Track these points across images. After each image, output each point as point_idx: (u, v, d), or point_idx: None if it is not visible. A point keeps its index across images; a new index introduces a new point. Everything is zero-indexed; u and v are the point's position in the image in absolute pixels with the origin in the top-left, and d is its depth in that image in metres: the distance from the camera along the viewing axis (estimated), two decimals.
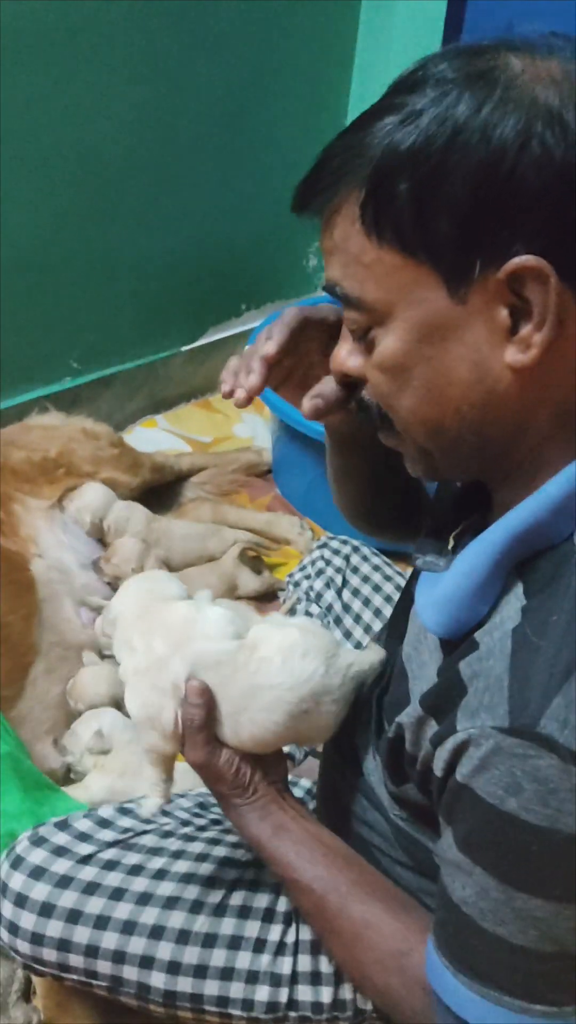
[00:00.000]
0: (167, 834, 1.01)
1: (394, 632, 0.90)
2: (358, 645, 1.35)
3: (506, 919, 0.63)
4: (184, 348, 2.32)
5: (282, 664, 0.81)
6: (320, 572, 1.47)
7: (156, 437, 2.24)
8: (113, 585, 1.64)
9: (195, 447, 2.23)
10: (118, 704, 1.43)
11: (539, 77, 0.60)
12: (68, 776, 1.42)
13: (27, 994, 1.14)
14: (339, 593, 1.42)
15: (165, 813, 1.05)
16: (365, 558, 1.45)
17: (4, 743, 1.26)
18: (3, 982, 1.14)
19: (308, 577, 1.50)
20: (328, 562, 1.46)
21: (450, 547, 0.77)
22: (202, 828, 1.03)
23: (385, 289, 0.65)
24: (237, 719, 0.82)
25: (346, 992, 0.92)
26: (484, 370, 0.64)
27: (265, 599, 1.73)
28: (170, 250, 2.16)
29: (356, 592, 1.41)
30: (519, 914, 0.63)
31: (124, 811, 1.04)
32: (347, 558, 1.45)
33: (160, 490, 1.99)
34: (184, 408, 2.39)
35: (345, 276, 0.66)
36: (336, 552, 1.47)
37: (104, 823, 1.01)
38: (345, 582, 1.42)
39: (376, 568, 1.43)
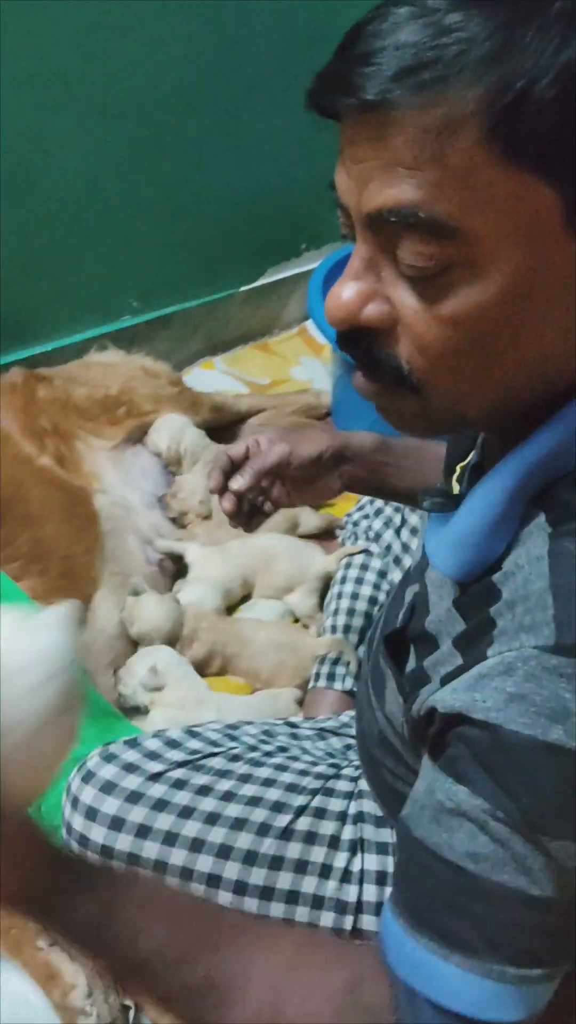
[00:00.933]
0: (235, 757, 1.01)
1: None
2: None
3: (530, 867, 0.56)
4: (243, 288, 2.29)
5: None
6: (379, 511, 1.45)
7: (214, 379, 2.23)
8: (179, 522, 1.65)
9: (253, 389, 2.22)
10: (173, 640, 1.44)
11: None
12: (125, 713, 1.43)
13: None
14: (398, 532, 1.40)
15: (232, 738, 1.06)
16: None
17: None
18: None
19: (367, 516, 1.48)
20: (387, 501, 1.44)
21: (456, 488, 0.72)
22: (268, 754, 1.04)
23: (498, 219, 0.53)
24: None
25: None
26: None
27: (325, 536, 1.72)
28: (230, 188, 2.12)
29: (415, 531, 1.40)
30: (547, 863, 0.55)
31: (192, 733, 1.05)
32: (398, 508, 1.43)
33: (218, 432, 1.98)
34: (242, 350, 2.37)
35: (438, 198, 0.53)
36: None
37: (173, 743, 1.03)
38: (404, 521, 1.41)
39: None
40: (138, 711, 1.40)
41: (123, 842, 0.94)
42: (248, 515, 1.04)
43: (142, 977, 0.61)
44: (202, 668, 1.45)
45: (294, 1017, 0.59)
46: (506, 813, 0.55)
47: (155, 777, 0.97)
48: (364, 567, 1.40)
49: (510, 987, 0.57)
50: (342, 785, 1.00)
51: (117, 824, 0.95)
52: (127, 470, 1.71)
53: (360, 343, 0.60)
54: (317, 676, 1.39)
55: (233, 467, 1.02)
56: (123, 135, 1.86)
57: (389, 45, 0.52)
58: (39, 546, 1.41)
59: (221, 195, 2.11)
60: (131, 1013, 1.09)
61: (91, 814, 0.96)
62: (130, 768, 0.98)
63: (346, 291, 0.58)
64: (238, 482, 1.00)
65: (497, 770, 0.56)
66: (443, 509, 0.67)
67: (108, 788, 0.97)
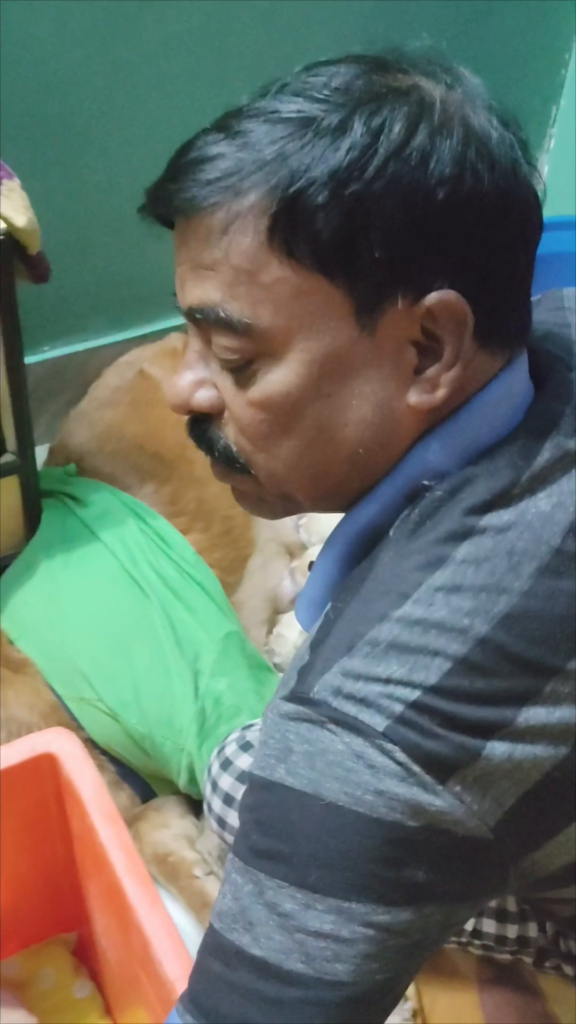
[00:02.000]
0: None
1: None
2: None
3: (254, 920, 0.55)
4: None
5: None
6: None
7: None
8: None
9: None
10: None
11: (461, 103, 0.58)
12: None
13: None
14: None
15: None
16: None
17: (232, 622, 1.34)
18: (212, 851, 1.23)
19: None
20: None
21: None
22: None
23: (287, 314, 0.58)
24: None
25: (531, 930, 0.95)
26: (387, 409, 0.60)
27: None
28: None
29: None
30: (269, 908, 0.55)
31: None
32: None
33: None
34: None
35: (231, 297, 0.58)
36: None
37: None
38: None
39: None
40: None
41: None
42: None
43: None
44: None
45: None
46: (235, 855, 0.58)
47: None
48: None
49: None
50: None
51: None
52: None
53: (199, 427, 0.66)
54: None
55: None
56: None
57: (191, 160, 0.59)
58: (203, 505, 1.48)
59: None
60: None
61: (228, 800, 1.00)
62: None
63: (181, 380, 0.64)
64: None
65: (241, 815, 0.59)
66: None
67: (244, 778, 0.99)
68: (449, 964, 1.16)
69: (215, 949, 0.58)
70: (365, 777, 0.53)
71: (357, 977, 0.54)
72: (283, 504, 0.68)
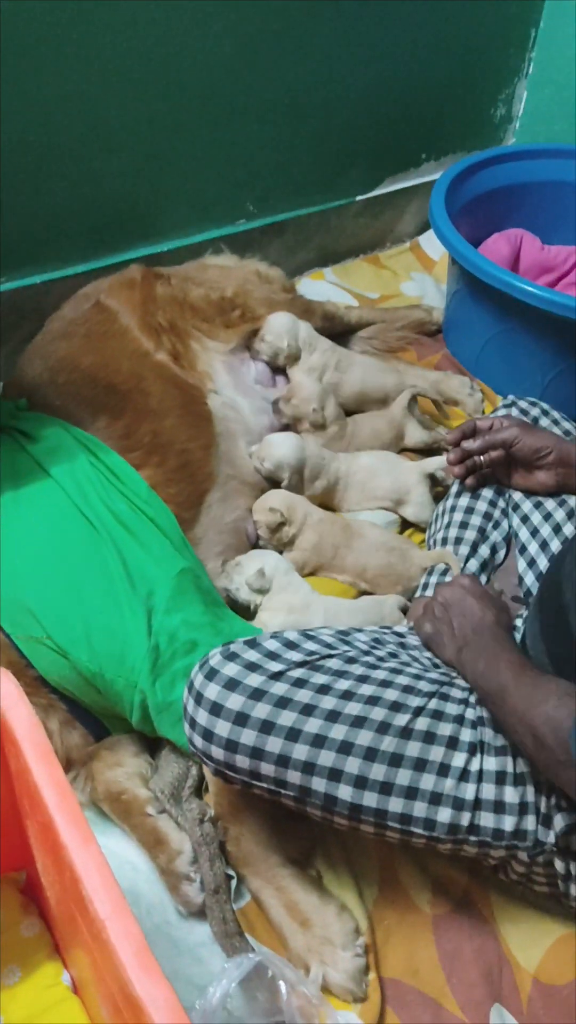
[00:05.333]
0: (351, 660, 1.04)
1: None
2: (538, 504, 1.33)
3: None
4: (359, 198, 2.24)
5: None
6: None
7: (323, 290, 2.20)
8: (293, 428, 1.65)
9: (362, 303, 2.19)
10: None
11: None
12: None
13: (199, 791, 1.22)
14: None
15: (346, 642, 1.08)
16: (556, 422, 1.41)
17: (186, 559, 1.31)
18: (178, 777, 1.22)
19: None
20: None
21: None
22: (381, 659, 1.06)
23: None
24: None
25: (528, 823, 0.95)
26: None
27: (427, 453, 1.72)
28: (355, 91, 2.06)
29: None
30: None
31: (308, 636, 1.08)
32: (536, 420, 1.41)
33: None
34: (353, 263, 2.33)
35: None
36: (525, 412, 1.43)
37: (291, 644, 1.05)
38: None
39: (567, 433, 1.39)
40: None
41: (247, 737, 0.98)
42: (467, 470, 1.37)
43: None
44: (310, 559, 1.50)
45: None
46: None
47: (276, 676, 1.00)
48: (475, 497, 1.40)
49: None
50: (456, 692, 1.02)
51: (241, 720, 0.98)
52: (238, 375, 1.72)
53: None
54: (424, 587, 1.40)
55: (472, 433, 1.34)
56: (255, 31, 1.81)
57: None
58: (158, 438, 1.44)
59: (346, 98, 2.05)
60: (233, 883, 1.14)
61: (216, 710, 0.99)
62: (251, 667, 1.01)
63: None
64: (470, 443, 1.35)
65: None
66: None
67: (232, 685, 1.00)
68: (404, 898, 1.15)
69: None
70: None
71: None
72: None
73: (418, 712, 0.98)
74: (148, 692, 1.19)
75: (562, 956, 1.11)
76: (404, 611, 1.41)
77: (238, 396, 1.68)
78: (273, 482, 1.58)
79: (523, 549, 1.30)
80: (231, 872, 1.15)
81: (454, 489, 1.44)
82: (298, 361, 1.72)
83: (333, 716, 0.98)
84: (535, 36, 2.28)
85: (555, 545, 1.26)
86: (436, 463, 1.63)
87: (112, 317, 1.63)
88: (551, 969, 1.11)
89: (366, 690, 1.00)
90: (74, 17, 1.57)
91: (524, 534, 1.31)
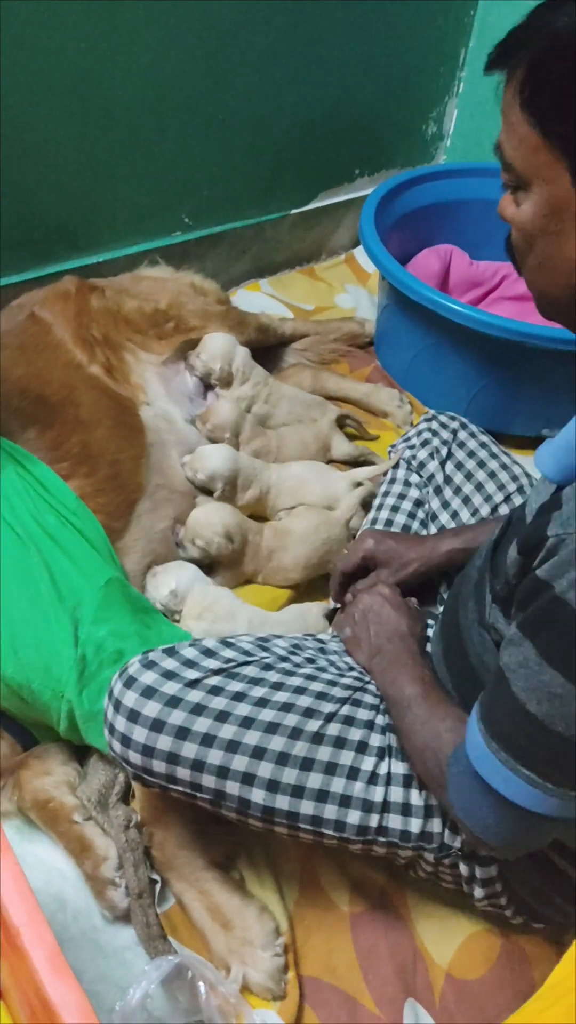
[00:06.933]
0: (267, 667, 1.07)
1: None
2: (455, 515, 1.38)
3: (531, 688, 0.77)
4: (294, 211, 2.28)
5: None
6: (426, 443, 1.48)
7: (258, 301, 2.24)
8: (213, 440, 1.69)
9: (297, 314, 2.23)
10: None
11: None
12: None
13: (126, 797, 1.24)
14: (442, 464, 1.44)
15: (264, 649, 1.11)
16: (472, 435, 1.45)
17: (113, 569, 1.33)
18: (105, 784, 1.24)
19: (412, 447, 1.51)
20: (435, 434, 1.47)
21: None
22: (298, 665, 1.09)
23: (527, 163, 0.77)
24: None
25: (434, 826, 0.99)
26: None
27: (354, 465, 1.77)
28: (287, 109, 2.10)
29: (460, 465, 1.43)
30: (542, 687, 0.76)
31: (226, 643, 1.11)
32: (454, 433, 1.46)
33: (261, 354, 1.99)
34: (288, 274, 2.37)
35: (505, 140, 0.79)
36: (444, 426, 1.48)
37: (209, 652, 1.08)
38: (450, 454, 1.44)
39: (483, 445, 1.44)
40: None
41: (163, 743, 1.00)
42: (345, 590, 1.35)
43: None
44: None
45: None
46: (531, 642, 0.77)
47: (193, 684, 1.03)
48: (402, 496, 1.45)
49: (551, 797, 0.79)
50: (368, 698, 1.06)
51: (158, 726, 1.01)
52: (171, 386, 1.75)
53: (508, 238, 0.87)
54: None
55: (345, 579, 1.33)
56: (190, 47, 1.84)
57: (517, 26, 0.77)
58: (87, 449, 1.46)
59: (280, 113, 2.09)
60: (157, 887, 1.17)
61: (133, 716, 1.02)
62: (169, 675, 1.04)
63: (503, 198, 0.84)
64: (341, 597, 1.35)
65: (537, 613, 0.77)
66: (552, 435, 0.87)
67: (149, 693, 1.02)
68: (323, 898, 1.19)
69: (503, 696, 0.81)
70: None
71: None
72: (543, 305, 0.86)
73: (330, 718, 1.02)
74: (75, 702, 1.21)
75: (474, 951, 1.16)
76: (329, 618, 1.44)
77: (171, 407, 1.71)
78: (206, 491, 1.61)
79: None
80: (155, 876, 1.17)
81: (378, 500, 1.48)
82: (230, 386, 1.75)
83: (247, 722, 1.01)
84: (465, 55, 2.34)
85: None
86: (365, 472, 1.68)
87: (46, 329, 1.64)
88: (463, 964, 1.15)
89: (280, 696, 1.03)
90: (0, 29, 1.58)
91: None
